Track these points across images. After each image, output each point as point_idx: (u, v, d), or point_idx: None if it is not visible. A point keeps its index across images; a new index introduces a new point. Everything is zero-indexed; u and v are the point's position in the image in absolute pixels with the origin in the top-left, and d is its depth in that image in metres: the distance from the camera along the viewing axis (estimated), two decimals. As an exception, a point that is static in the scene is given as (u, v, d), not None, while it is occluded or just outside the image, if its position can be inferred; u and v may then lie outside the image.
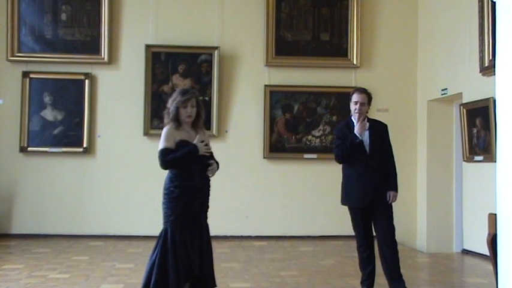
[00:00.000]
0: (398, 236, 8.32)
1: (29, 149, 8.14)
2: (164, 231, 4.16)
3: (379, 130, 5.15)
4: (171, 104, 4.26)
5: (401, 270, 5.03)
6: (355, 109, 5.07)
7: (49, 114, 8.21)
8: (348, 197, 5.13)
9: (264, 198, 8.33)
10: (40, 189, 8.15)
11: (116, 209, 8.19)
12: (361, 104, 5.07)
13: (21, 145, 8.12)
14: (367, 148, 5.04)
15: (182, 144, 4.18)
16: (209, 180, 4.36)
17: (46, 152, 8.16)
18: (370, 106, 5.21)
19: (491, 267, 3.41)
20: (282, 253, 7.15)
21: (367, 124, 5.06)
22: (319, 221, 8.35)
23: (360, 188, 5.00)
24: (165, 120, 4.30)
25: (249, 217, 8.28)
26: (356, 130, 5.02)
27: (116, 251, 7.17)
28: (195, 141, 4.19)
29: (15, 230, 8.08)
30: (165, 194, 4.21)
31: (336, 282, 5.57)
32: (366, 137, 5.05)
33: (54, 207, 8.13)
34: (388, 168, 5.13)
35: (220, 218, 8.20)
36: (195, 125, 4.33)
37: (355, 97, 5.10)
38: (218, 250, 7.29)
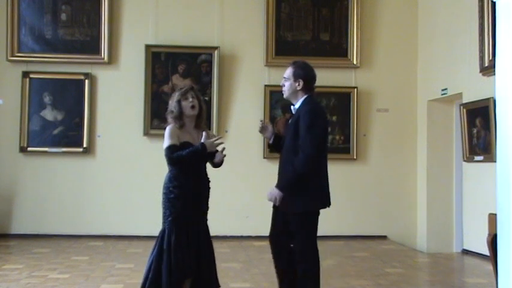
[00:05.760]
0: (399, 236, 8.46)
1: (29, 149, 8.13)
2: (162, 232, 4.15)
3: (298, 118, 3.98)
4: (172, 102, 4.23)
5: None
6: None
7: (49, 114, 8.21)
8: None
9: (264, 198, 8.25)
10: (40, 189, 8.15)
11: (116, 209, 8.19)
12: (284, 80, 4.10)
13: (21, 145, 8.11)
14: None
15: (186, 146, 4.11)
16: (209, 182, 4.32)
17: (46, 152, 8.15)
18: (306, 84, 4.04)
19: (491, 267, 3.41)
20: (282, 253, 7.13)
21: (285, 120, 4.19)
22: (319, 221, 8.34)
23: None
24: (169, 120, 4.24)
25: (249, 217, 8.28)
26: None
27: (115, 251, 7.17)
28: (202, 139, 4.09)
29: (15, 230, 8.07)
30: (164, 194, 4.18)
31: (336, 282, 5.57)
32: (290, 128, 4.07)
33: (54, 207, 8.13)
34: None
35: (220, 218, 8.19)
36: (197, 124, 4.27)
37: None
38: (218, 250, 7.25)
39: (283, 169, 4.08)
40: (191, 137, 4.19)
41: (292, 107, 4.14)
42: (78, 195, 8.20)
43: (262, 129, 4.29)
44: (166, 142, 4.11)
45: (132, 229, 8.09)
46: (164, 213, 4.18)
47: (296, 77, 4.04)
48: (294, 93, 4.06)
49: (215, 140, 4.15)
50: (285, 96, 4.14)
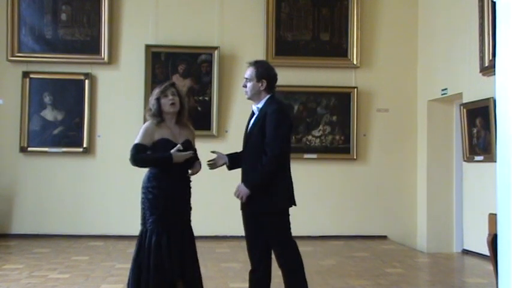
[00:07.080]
0: (399, 236, 8.47)
1: (29, 149, 8.13)
2: (143, 233, 4.07)
3: (263, 118, 3.98)
4: (151, 99, 4.17)
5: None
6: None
7: (49, 114, 8.21)
8: None
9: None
10: (40, 189, 8.15)
11: (116, 209, 8.18)
12: (246, 80, 4.08)
13: (21, 145, 8.11)
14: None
15: (162, 143, 4.05)
16: (190, 181, 4.23)
17: (46, 152, 8.15)
18: (269, 83, 4.04)
19: (491, 267, 3.41)
20: (282, 253, 7.13)
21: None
22: (319, 221, 8.35)
23: None
24: (147, 117, 4.20)
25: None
26: None
27: (115, 251, 7.17)
28: (172, 150, 3.99)
29: (15, 230, 8.07)
30: (142, 194, 4.11)
31: (336, 282, 5.57)
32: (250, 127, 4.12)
33: (54, 207, 8.13)
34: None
35: (221, 218, 8.23)
36: (179, 121, 4.19)
37: None
38: (218, 250, 7.30)
39: (250, 168, 3.99)
40: (171, 133, 4.13)
41: (254, 106, 4.12)
42: (78, 195, 8.20)
43: (216, 160, 4.17)
44: (136, 139, 4.08)
45: (132, 229, 7.99)
46: (144, 214, 4.10)
47: (259, 77, 4.02)
48: (257, 93, 4.05)
49: (185, 156, 4.04)
50: (247, 97, 4.12)
